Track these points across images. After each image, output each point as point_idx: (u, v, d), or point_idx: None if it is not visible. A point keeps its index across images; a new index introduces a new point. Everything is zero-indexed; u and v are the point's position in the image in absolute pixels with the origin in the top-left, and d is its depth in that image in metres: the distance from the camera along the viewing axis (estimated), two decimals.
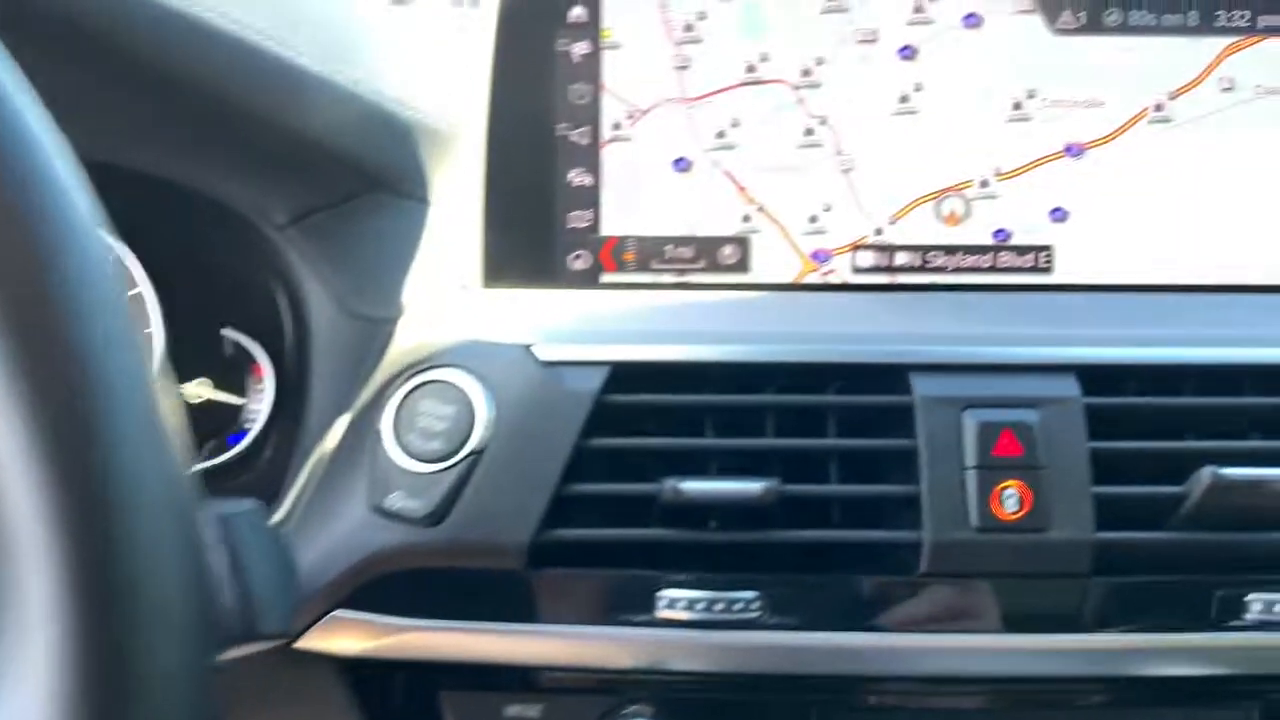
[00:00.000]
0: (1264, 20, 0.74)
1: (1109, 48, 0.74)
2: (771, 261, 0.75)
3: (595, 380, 0.66)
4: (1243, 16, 0.75)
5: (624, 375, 0.67)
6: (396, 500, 0.65)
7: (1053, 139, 0.74)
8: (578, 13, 0.74)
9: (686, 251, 0.75)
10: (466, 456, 0.65)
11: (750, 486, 0.64)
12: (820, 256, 0.75)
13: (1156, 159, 0.74)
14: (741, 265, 0.75)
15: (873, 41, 0.74)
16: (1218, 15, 0.75)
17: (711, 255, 0.75)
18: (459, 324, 0.70)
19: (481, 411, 0.65)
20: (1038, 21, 0.74)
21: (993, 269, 0.74)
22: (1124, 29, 0.75)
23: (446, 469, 0.65)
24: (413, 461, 0.65)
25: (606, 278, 0.75)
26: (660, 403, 0.67)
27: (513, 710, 0.69)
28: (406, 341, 0.71)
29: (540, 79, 0.74)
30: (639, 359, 0.67)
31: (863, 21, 0.74)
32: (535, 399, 0.66)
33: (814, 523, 0.66)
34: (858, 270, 0.75)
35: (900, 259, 0.75)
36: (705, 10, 0.74)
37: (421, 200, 0.79)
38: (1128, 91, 0.74)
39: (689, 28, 0.74)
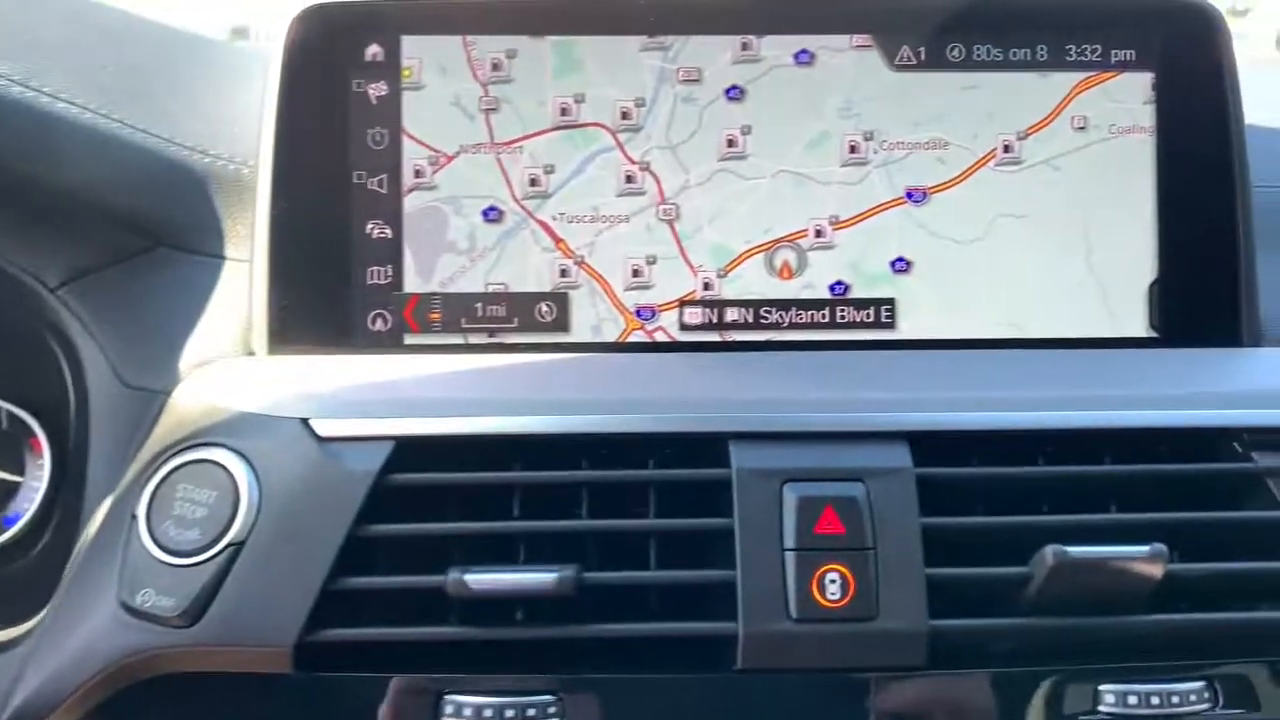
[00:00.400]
0: (1117, 54, 0.70)
1: (952, 85, 0.69)
2: (592, 320, 0.68)
3: (376, 458, 0.59)
4: (1094, 51, 0.70)
5: (412, 451, 0.60)
6: (147, 597, 0.58)
7: (893, 184, 0.69)
8: (374, 50, 0.68)
9: (499, 310, 0.68)
10: (225, 548, 0.58)
11: (544, 577, 0.57)
12: (645, 314, 0.68)
13: (1005, 204, 0.69)
14: (560, 324, 0.68)
15: (697, 81, 0.68)
16: (1068, 50, 0.70)
17: (527, 314, 0.68)
18: (234, 394, 0.63)
19: (244, 496, 0.58)
20: (875, 58, 0.69)
21: (830, 325, 0.68)
22: (968, 64, 0.69)
23: (203, 562, 0.58)
24: (166, 554, 0.58)
25: (410, 339, 0.68)
26: (449, 481, 0.60)
27: None
28: (175, 415, 0.63)
29: (333, 122, 0.68)
30: (427, 433, 0.60)
31: (685, 60, 0.68)
32: (308, 480, 0.59)
33: (627, 613, 0.59)
34: (685, 328, 0.68)
35: (730, 315, 0.68)
36: (515, 48, 0.68)
37: (215, 256, 0.72)
38: (974, 131, 0.69)
39: (497, 67, 0.68)
